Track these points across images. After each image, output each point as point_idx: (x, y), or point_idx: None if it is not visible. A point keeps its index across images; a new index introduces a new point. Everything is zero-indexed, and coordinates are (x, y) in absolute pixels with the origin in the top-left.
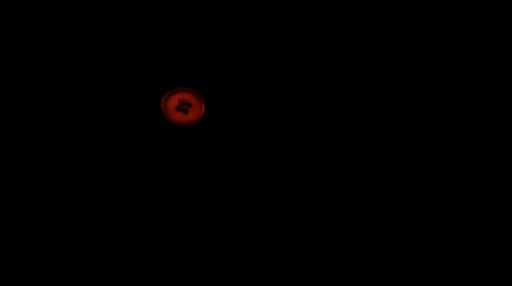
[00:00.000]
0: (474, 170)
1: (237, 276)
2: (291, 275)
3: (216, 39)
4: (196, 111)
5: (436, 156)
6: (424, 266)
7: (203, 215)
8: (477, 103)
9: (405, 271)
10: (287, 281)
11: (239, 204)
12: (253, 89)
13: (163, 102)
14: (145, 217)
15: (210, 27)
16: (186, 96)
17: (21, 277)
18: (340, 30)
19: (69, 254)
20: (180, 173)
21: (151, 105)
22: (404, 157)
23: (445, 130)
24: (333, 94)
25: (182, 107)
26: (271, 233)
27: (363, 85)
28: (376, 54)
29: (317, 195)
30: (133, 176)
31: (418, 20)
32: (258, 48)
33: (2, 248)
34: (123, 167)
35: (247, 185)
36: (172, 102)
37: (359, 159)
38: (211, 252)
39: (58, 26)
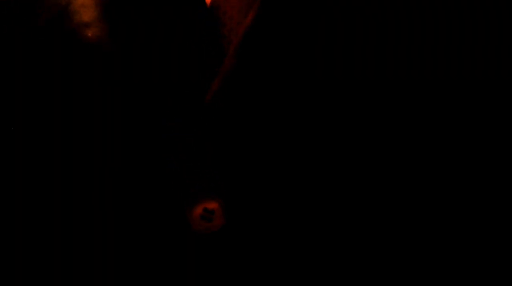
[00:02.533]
0: (476, 177)
1: None
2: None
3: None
4: (219, 219)
5: (437, 161)
6: (424, 266)
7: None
8: (479, 110)
9: (405, 271)
10: None
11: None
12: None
13: (188, 212)
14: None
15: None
16: (210, 205)
17: (21, 277)
18: (342, 35)
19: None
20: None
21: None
22: (405, 162)
23: (446, 136)
24: (334, 100)
25: (206, 215)
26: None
27: (364, 91)
28: (377, 60)
29: (320, 206)
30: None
31: (420, 24)
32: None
33: (2, 248)
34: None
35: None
36: (197, 211)
37: (361, 165)
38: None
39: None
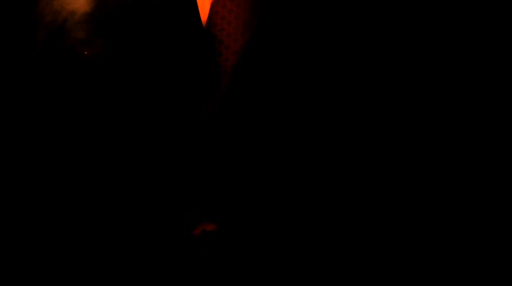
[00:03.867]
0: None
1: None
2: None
3: None
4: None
5: (436, 156)
6: (424, 266)
7: None
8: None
9: (405, 271)
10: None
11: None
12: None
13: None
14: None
15: None
16: (209, 227)
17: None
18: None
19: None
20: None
21: None
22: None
23: (445, 129)
24: (331, 118)
25: (204, 236)
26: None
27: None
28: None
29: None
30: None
31: None
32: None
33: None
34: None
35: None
36: (196, 232)
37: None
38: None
39: None
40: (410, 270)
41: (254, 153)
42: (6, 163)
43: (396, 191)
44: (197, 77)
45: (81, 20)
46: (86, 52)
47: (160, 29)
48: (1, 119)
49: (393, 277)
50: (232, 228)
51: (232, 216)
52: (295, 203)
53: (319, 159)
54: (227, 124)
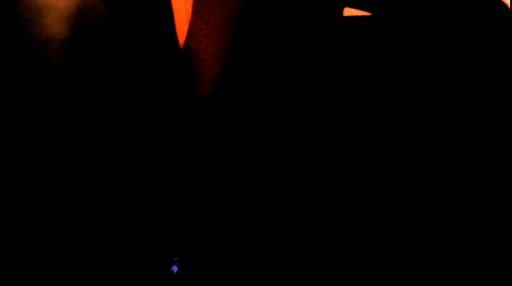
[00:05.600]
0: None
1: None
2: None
3: None
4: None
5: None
6: (424, 266)
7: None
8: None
9: (405, 271)
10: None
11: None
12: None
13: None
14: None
15: None
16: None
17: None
18: None
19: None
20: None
21: None
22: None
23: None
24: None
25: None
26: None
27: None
28: None
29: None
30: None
31: None
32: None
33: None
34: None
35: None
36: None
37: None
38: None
39: None
40: (410, 270)
41: (230, 180)
42: None
43: (392, 191)
44: (173, 103)
45: (57, 47)
46: (65, 81)
47: (138, 55)
48: None
49: (393, 277)
50: (215, 240)
51: (215, 228)
52: (276, 218)
53: (295, 177)
54: (203, 150)
